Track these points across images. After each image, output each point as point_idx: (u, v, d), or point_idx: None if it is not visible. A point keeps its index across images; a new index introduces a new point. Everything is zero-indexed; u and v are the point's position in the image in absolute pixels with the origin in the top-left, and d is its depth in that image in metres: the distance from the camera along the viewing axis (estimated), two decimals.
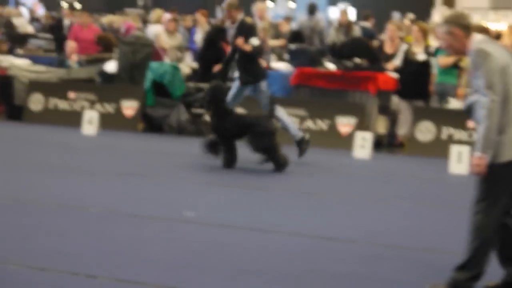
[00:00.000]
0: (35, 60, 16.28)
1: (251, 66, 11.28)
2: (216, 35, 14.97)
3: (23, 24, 24.33)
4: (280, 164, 10.31)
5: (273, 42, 16.06)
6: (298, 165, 11.02)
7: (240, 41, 11.12)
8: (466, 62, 13.26)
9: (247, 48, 11.09)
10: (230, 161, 10.39)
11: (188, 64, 15.65)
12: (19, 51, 17.43)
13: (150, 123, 14.09)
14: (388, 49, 14.24)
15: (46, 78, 15.11)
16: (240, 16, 11.45)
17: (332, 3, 28.70)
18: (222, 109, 10.45)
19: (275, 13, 26.92)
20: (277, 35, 16.63)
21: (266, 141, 10.23)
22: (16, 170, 9.73)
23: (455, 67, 13.18)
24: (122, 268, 5.83)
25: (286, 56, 15.54)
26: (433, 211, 8.66)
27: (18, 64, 15.45)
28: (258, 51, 11.48)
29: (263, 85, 11.30)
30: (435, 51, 13.37)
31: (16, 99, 14.89)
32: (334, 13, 23.52)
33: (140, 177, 9.68)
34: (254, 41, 11.19)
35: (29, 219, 7.24)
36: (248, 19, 11.73)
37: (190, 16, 19.23)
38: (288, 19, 19.55)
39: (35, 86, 14.78)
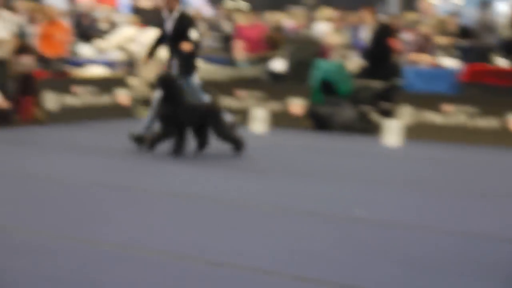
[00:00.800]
0: (206, 59, 16.69)
1: (189, 59, 11.29)
2: (382, 32, 14.88)
3: None
4: (241, 144, 10.77)
5: (440, 40, 15.79)
6: (470, 163, 10.81)
7: (186, 46, 11.00)
8: None
9: (188, 48, 11.00)
10: (180, 149, 10.46)
11: (355, 62, 15.64)
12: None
13: (317, 121, 14.15)
14: None
15: (215, 77, 15.44)
16: (178, 6, 11.36)
17: None
18: (175, 98, 10.46)
19: (442, 9, 26.43)
20: (444, 31, 16.33)
21: (226, 126, 10.69)
22: (191, 166, 10.01)
23: None
24: (294, 265, 5.89)
25: (454, 52, 15.25)
26: None
27: None
28: (197, 45, 11.49)
29: (193, 78, 11.39)
30: None
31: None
32: (503, 7, 22.82)
33: (305, 175, 9.74)
34: (194, 35, 11.14)
35: (200, 215, 7.43)
36: (187, 12, 11.76)
37: (356, 13, 19.17)
38: (454, 15, 19.16)
39: (205, 85, 15.09)
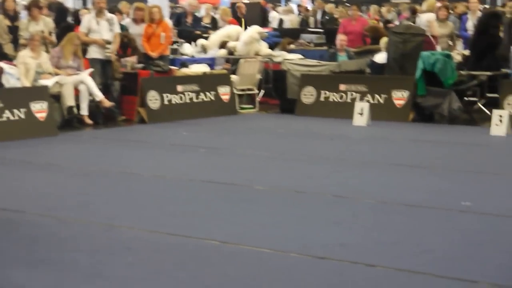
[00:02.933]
0: (307, 54, 16.64)
1: None
2: (489, 21, 14.53)
3: (292, 20, 25.08)
4: None
5: None
6: None
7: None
8: None
9: None
10: None
11: (459, 52, 15.30)
12: (291, 46, 17.89)
13: (421, 113, 13.90)
14: None
15: (317, 71, 15.36)
16: None
17: None
18: None
19: None
20: None
21: None
22: (294, 161, 9.99)
23: None
24: (400, 257, 5.80)
25: None
26: None
27: (290, 59, 15.86)
28: None
29: None
30: None
31: (289, 92, 15.28)
32: None
33: (412, 167, 9.59)
34: None
35: (308, 209, 7.41)
36: None
37: (462, 3, 18.82)
38: None
39: (307, 79, 15.06)
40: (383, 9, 26.09)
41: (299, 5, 29.42)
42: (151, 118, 13.62)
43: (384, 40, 15.41)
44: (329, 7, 25.67)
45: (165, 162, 10.03)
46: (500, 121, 12.31)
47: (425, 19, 16.15)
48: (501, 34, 14.75)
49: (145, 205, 7.54)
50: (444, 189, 8.31)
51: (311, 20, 24.41)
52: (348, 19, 16.85)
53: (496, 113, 12.47)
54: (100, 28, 13.71)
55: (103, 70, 13.70)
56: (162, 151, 10.92)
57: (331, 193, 8.06)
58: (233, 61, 16.24)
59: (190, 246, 6.11)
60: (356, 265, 5.60)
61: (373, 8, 25.62)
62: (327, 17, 24.14)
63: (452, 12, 17.64)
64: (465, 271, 5.46)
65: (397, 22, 20.27)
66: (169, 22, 16.90)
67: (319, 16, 24.73)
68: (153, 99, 13.79)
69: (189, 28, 18.35)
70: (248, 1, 23.99)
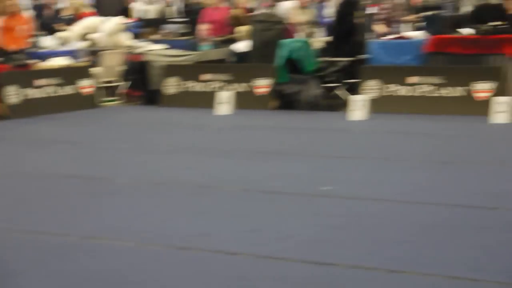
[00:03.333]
0: (172, 44, 16.57)
1: None
2: (345, 9, 14.84)
3: (157, 9, 24.86)
4: None
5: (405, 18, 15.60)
6: (430, 134, 10.83)
7: None
8: None
9: None
10: None
11: (320, 39, 15.57)
12: (156, 36, 17.79)
13: (283, 100, 14.09)
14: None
15: (180, 62, 15.34)
16: None
17: None
18: None
19: None
20: (409, 8, 16.19)
21: None
22: (155, 153, 9.95)
23: None
24: (262, 244, 5.86)
25: (417, 25, 15.24)
26: None
27: (153, 49, 15.78)
28: None
29: None
30: None
31: (152, 84, 15.21)
32: None
33: (274, 154, 9.70)
34: None
35: (170, 200, 7.39)
36: None
37: None
38: None
39: (170, 70, 15.02)
40: None
41: None
42: (12, 114, 13.30)
43: (244, 28, 15.52)
44: None
45: (24, 158, 9.82)
46: (358, 105, 12.62)
47: (285, 6, 16.34)
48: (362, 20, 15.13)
49: None
50: (304, 175, 8.43)
51: (174, 9, 24.24)
52: (209, 8, 16.86)
53: (354, 98, 12.78)
54: None
55: None
56: (21, 147, 10.68)
57: (194, 183, 8.07)
58: (95, 53, 16.01)
59: (48, 243, 6.00)
60: (217, 254, 5.63)
61: None
62: (190, 6, 24.04)
63: None
64: (326, 255, 5.56)
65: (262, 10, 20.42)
66: (29, 14, 16.49)
67: (181, 4, 24.60)
68: (13, 94, 13.46)
69: (49, 20, 17.98)
70: None
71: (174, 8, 24.17)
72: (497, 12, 13.84)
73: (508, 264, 5.21)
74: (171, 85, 14.89)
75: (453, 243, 5.76)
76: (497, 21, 13.46)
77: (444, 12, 15.55)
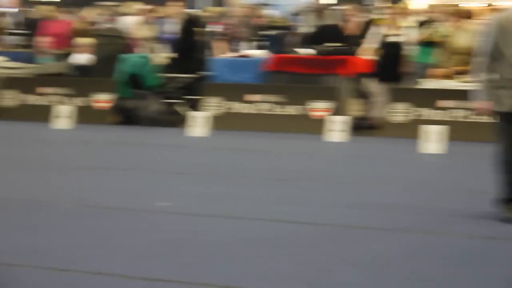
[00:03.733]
0: (11, 56, 16.13)
1: None
2: (189, 25, 14.92)
3: None
4: None
5: (246, 31, 15.81)
6: (274, 151, 11.01)
7: None
8: (437, 36, 13.33)
9: None
10: None
11: (162, 55, 15.56)
12: None
13: (124, 115, 13.99)
14: (351, 31, 14.34)
15: (19, 74, 14.98)
16: None
17: None
18: None
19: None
20: (249, 23, 16.44)
21: None
22: None
23: (432, 46, 13.25)
24: (95, 260, 5.76)
25: (259, 43, 15.48)
26: (407, 191, 8.61)
27: None
28: None
29: None
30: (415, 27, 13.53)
31: None
32: None
33: (112, 170, 9.61)
34: None
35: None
36: None
37: (164, 6, 19.09)
38: (261, 5, 19.42)
39: (9, 82, 14.64)
40: (91, 11, 25.83)
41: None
42: None
43: (86, 42, 15.32)
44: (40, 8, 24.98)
45: None
46: (199, 122, 12.70)
47: (128, 21, 16.24)
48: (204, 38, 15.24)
49: None
50: (141, 190, 8.38)
51: (9, 20, 23.61)
52: (49, 20, 16.54)
53: (194, 115, 12.85)
54: None
55: None
56: None
57: (26, 199, 7.86)
58: None
59: None
60: (47, 271, 5.49)
61: (78, 10, 25.31)
62: (30, 18, 23.50)
63: (155, 15, 17.85)
64: (156, 271, 5.53)
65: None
66: None
67: (21, 16, 24.01)
68: None
69: None
70: None
71: (10, 20, 23.54)
72: (336, 33, 14.25)
73: (336, 279, 5.34)
74: (9, 98, 14.51)
75: (284, 259, 5.84)
76: (336, 42, 13.86)
77: (287, 32, 15.85)
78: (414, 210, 7.60)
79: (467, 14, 14.15)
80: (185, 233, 6.63)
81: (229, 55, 14.47)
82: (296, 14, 16.19)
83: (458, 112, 12.44)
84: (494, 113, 6.94)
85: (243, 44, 15.05)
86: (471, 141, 11.39)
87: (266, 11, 18.56)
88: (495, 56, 6.87)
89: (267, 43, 15.44)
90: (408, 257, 5.93)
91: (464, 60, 13.26)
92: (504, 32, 6.86)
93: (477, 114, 7.32)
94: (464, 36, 13.54)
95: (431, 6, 16.55)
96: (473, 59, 6.90)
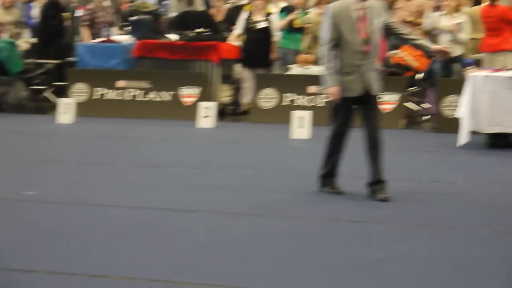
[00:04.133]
0: None
1: None
2: (48, 11, 14.59)
3: None
4: None
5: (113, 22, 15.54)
6: (144, 137, 10.98)
7: None
8: (300, 22, 13.54)
9: None
10: None
11: (26, 40, 15.19)
12: None
13: None
14: (219, 17, 14.40)
15: None
16: None
17: None
18: None
19: None
20: (117, 11, 16.18)
21: None
22: None
23: (298, 32, 13.45)
24: None
25: (126, 29, 15.31)
26: (276, 177, 8.72)
27: None
28: None
29: None
30: (280, 14, 13.65)
31: None
32: None
33: None
34: None
35: None
36: None
37: None
38: None
39: None
40: None
41: None
42: None
43: None
44: None
45: None
46: (65, 108, 12.49)
47: None
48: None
49: None
50: (7, 179, 8.22)
51: None
52: None
53: (62, 101, 12.63)
54: None
55: None
56: None
57: None
58: None
59: None
60: None
61: None
62: None
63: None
64: (26, 262, 5.43)
65: None
66: None
67: None
68: None
69: None
70: None
71: None
72: (203, 19, 14.23)
73: (206, 265, 5.38)
74: None
75: (153, 246, 5.85)
76: (203, 27, 13.84)
77: (155, 18, 15.70)
78: (278, 195, 7.73)
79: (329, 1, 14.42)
80: (52, 222, 6.55)
81: (96, 40, 14.24)
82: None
83: (322, 98, 12.69)
84: (343, 99, 7.27)
85: (109, 30, 14.83)
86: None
87: None
88: (338, 43, 7.23)
89: (134, 28, 15.26)
90: (272, 239, 6.05)
91: None
92: (343, 20, 7.21)
93: (330, 100, 7.44)
94: None
95: None
96: (319, 47, 7.10)
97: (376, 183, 7.34)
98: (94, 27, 14.24)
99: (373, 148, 7.33)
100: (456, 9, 12.89)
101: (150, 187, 7.99)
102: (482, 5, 13.72)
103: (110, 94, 13.41)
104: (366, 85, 7.31)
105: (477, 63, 12.55)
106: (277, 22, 13.49)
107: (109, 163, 9.26)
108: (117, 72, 13.58)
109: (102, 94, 13.43)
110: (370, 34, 7.28)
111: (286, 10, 13.80)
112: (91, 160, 9.41)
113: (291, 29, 13.53)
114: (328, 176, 7.55)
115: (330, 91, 7.31)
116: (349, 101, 7.32)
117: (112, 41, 14.15)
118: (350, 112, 7.38)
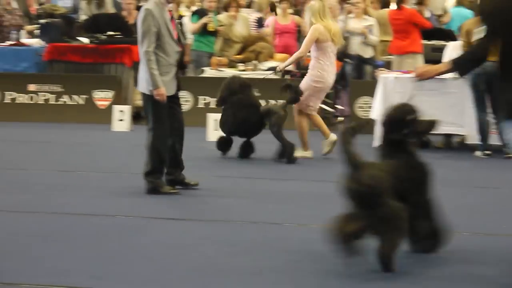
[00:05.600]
0: None
1: None
2: None
3: None
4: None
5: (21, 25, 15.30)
6: (58, 141, 10.85)
7: None
8: (213, 26, 13.56)
9: None
10: None
11: None
12: None
13: None
14: (131, 20, 14.31)
15: None
16: None
17: None
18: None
19: None
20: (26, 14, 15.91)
21: None
22: None
23: (211, 34, 13.45)
24: None
25: (36, 32, 15.10)
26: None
27: None
28: None
29: None
30: (191, 16, 13.64)
31: None
32: None
33: None
34: None
35: None
36: None
37: None
38: None
39: None
40: None
41: None
42: None
43: None
44: None
45: None
46: None
47: None
48: None
49: None
50: None
51: None
52: None
53: None
54: None
55: None
56: None
57: None
58: None
59: None
60: None
61: None
62: None
63: None
64: None
65: None
66: None
67: None
68: None
69: None
70: None
71: None
72: (115, 21, 14.11)
73: (124, 270, 5.35)
74: None
75: (70, 252, 5.78)
76: (115, 30, 13.74)
77: (65, 20, 15.51)
78: (195, 197, 7.75)
79: (245, 4, 14.52)
80: None
81: (5, 44, 13.99)
82: (76, 2, 15.91)
83: None
84: (164, 97, 7.55)
85: (18, 33, 14.58)
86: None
87: None
88: (157, 44, 7.52)
89: (43, 31, 15.06)
90: (191, 243, 6.06)
91: (241, 48, 13.63)
92: (160, 20, 7.50)
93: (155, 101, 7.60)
94: (241, 25, 13.90)
95: None
96: (143, 49, 7.48)
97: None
98: (1, 31, 13.98)
99: (182, 141, 7.93)
100: (365, 12, 13.12)
101: (66, 192, 7.90)
102: (390, 8, 14.04)
103: (22, 98, 13.18)
104: (177, 84, 7.82)
105: (387, 65, 12.78)
106: (190, 25, 13.49)
107: (21, 168, 9.12)
108: (29, 75, 13.38)
109: (14, 98, 13.19)
110: (179, 34, 7.82)
111: (198, 13, 13.80)
112: (2, 165, 9.24)
113: (204, 32, 13.54)
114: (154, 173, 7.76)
115: (159, 92, 7.51)
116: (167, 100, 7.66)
117: (22, 44, 13.93)
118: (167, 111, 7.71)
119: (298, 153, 9.86)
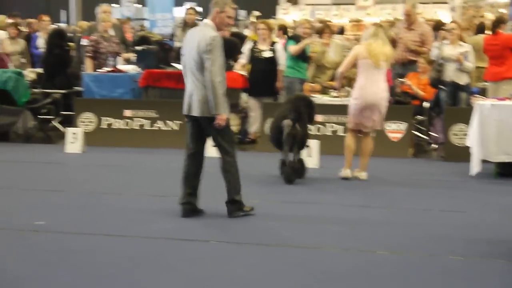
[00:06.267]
0: None
1: None
2: (54, 40, 14.68)
3: None
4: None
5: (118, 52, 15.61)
6: (149, 167, 10.98)
7: None
8: (315, 49, 13.58)
9: None
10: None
11: (32, 70, 15.26)
12: None
13: None
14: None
15: None
16: None
17: (178, 4, 28.61)
18: None
19: (121, 14, 26.59)
20: (123, 41, 16.27)
21: None
22: None
23: (304, 61, 13.46)
24: None
25: (132, 58, 15.40)
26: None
27: None
28: None
29: None
30: (287, 41, 13.68)
31: None
32: (180, 12, 23.42)
33: None
34: None
35: None
36: None
37: (33, 21, 18.76)
38: (128, 20, 19.31)
39: None
40: None
41: None
42: None
43: None
44: None
45: None
46: (74, 138, 12.51)
47: None
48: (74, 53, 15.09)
49: None
50: (18, 209, 8.23)
51: None
52: None
53: (70, 130, 12.66)
54: None
55: None
56: None
57: None
58: None
59: None
60: None
61: None
62: None
63: (23, 29, 17.51)
64: None
65: None
66: None
67: None
68: None
69: None
70: None
71: None
72: None
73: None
74: None
75: (165, 275, 5.84)
76: None
77: (157, 47, 15.81)
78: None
79: (337, 30, 14.50)
80: (60, 252, 6.55)
81: (102, 70, 14.30)
82: (171, 29, 16.19)
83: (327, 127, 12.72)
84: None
85: (115, 59, 14.89)
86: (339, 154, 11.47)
87: (140, 26, 18.54)
88: None
89: (140, 58, 15.36)
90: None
91: (334, 75, 13.61)
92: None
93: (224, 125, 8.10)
94: (333, 51, 13.88)
95: (299, 22, 16.93)
96: (216, 75, 8.04)
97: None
98: (99, 58, 14.28)
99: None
100: (460, 38, 12.96)
101: (159, 217, 8.00)
102: (485, 34, 13.82)
103: (118, 124, 13.42)
104: None
105: (482, 92, 12.57)
106: (290, 48, 13.48)
107: (117, 193, 9.27)
108: (125, 101, 13.61)
109: (110, 124, 13.44)
110: None
111: (294, 39, 13.81)
112: (100, 190, 9.41)
113: (297, 58, 13.54)
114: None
115: (224, 117, 7.99)
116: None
117: (119, 71, 14.21)
118: None
119: (342, 172, 10.25)
